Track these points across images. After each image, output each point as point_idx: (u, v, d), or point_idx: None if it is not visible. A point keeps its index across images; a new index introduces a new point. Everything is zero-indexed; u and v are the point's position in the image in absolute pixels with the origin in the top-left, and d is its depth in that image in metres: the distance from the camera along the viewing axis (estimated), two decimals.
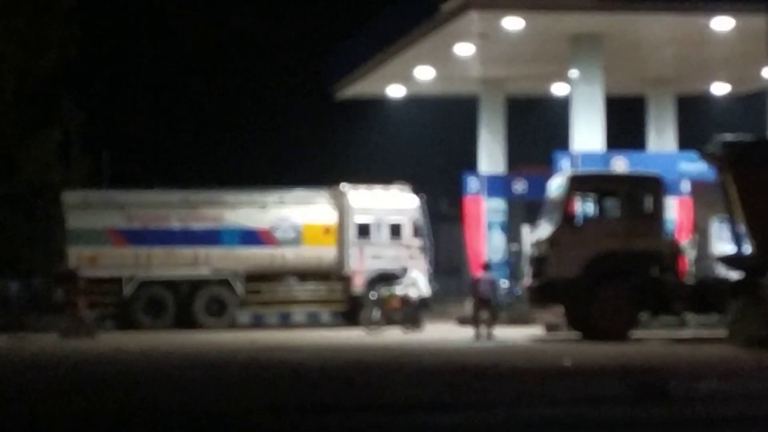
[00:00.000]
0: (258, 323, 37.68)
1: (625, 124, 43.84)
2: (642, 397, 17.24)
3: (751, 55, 31.29)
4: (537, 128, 44.85)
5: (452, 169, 43.32)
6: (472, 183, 40.60)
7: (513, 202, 39.32)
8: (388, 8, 38.71)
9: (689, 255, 29.41)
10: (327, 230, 37.65)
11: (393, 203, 38.05)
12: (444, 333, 32.92)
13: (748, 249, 28.32)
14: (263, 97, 60.18)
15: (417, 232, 37.55)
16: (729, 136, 29.57)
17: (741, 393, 17.60)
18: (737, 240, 28.70)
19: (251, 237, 37.54)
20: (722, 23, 33.08)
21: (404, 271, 35.03)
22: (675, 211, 31.75)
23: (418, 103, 46.60)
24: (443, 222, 45.99)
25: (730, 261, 29.12)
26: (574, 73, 35.18)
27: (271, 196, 38.12)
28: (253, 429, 14.08)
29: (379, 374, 21.10)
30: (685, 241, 29.66)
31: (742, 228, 28.41)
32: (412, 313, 33.87)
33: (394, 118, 48.38)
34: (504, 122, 41.84)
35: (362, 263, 36.95)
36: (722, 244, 29.89)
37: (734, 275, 28.87)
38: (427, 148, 53.57)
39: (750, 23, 30.54)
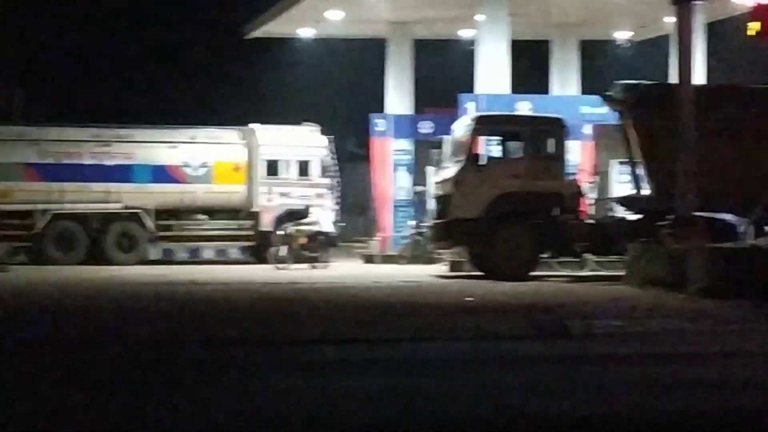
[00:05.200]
0: (168, 258, 37.45)
1: (531, 67, 43.97)
2: (541, 332, 17.38)
3: (652, 2, 31.30)
4: (445, 71, 44.74)
5: (361, 110, 43.25)
6: (378, 124, 40.50)
7: (419, 142, 39.16)
8: None
9: (590, 197, 29.57)
10: (237, 168, 37.62)
11: (302, 142, 38.03)
12: (350, 270, 32.94)
13: (647, 191, 28.63)
14: (174, 35, 59.70)
15: (325, 171, 37.53)
16: (630, 81, 29.80)
17: (638, 330, 17.83)
18: (637, 182, 28.99)
19: (162, 174, 37.46)
20: None
21: (310, 209, 35.03)
22: (577, 153, 31.81)
23: (328, 44, 46.37)
24: (351, 162, 46.00)
25: (629, 202, 29.38)
26: (480, 17, 35.08)
27: (182, 134, 38.02)
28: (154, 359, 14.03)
29: (285, 309, 21.10)
30: (586, 183, 29.75)
31: (642, 170, 28.68)
32: (318, 249, 33.90)
33: (304, 58, 48.14)
34: (411, 65, 41.63)
35: (270, 200, 36.87)
36: (622, 186, 30.07)
37: (633, 216, 29.10)
38: (337, 89, 53.51)
39: None
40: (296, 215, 35.37)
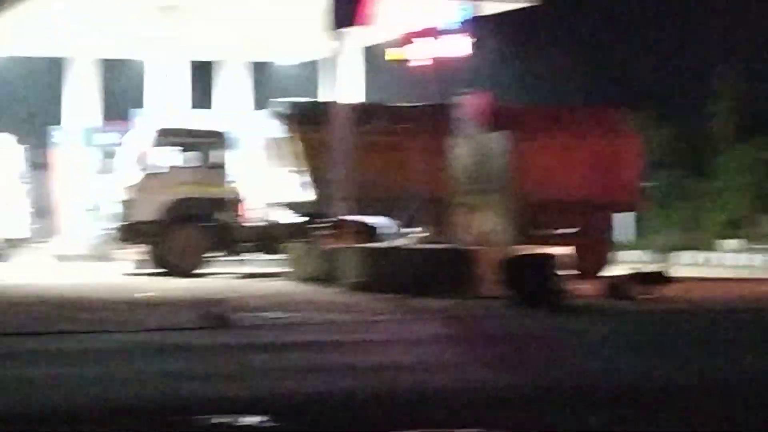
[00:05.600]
0: None
1: (206, 85, 43.99)
2: (210, 324, 17.36)
3: (313, 28, 31.64)
4: (131, 87, 44.14)
5: (51, 122, 42.16)
6: (61, 135, 40.04)
7: (102, 152, 38.63)
8: None
9: (255, 201, 29.78)
10: None
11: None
12: (40, 269, 32.19)
13: (310, 196, 29.02)
14: None
15: (21, 178, 36.38)
16: (294, 99, 30.24)
17: (297, 321, 18.00)
18: (302, 188, 29.34)
19: None
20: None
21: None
22: (247, 163, 31.86)
23: (19, 62, 45.27)
24: (39, 169, 44.86)
25: (296, 207, 29.72)
26: (149, 41, 35.18)
27: None
28: None
29: None
30: (251, 189, 29.97)
31: (306, 178, 29.08)
32: (10, 249, 33.10)
33: None
34: (96, 81, 41.16)
35: None
36: (288, 191, 30.28)
37: (294, 219, 29.44)
38: (26, 103, 51.69)
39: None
40: None
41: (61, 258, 35.46)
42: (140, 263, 30.38)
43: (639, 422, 9.68)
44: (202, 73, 43.34)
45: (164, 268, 28.54)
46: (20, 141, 36.54)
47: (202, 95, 42.59)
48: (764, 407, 10.47)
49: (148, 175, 28.57)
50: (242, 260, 29.82)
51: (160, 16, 35.75)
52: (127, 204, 28.84)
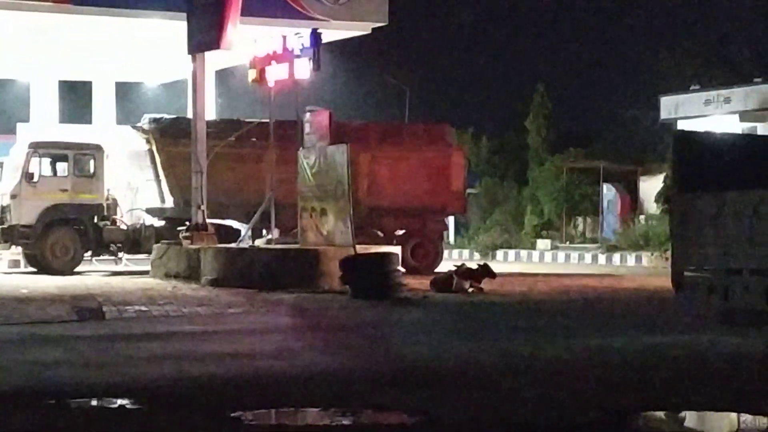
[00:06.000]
0: None
1: (79, 102, 43.36)
2: (82, 317, 17.23)
3: (176, 52, 31.28)
4: (20, 103, 43.09)
5: None
6: None
7: None
8: None
9: (124, 207, 29.56)
10: None
11: None
12: None
13: (170, 202, 28.95)
14: None
15: None
16: (155, 115, 30.08)
17: (159, 314, 17.95)
18: (162, 195, 29.25)
19: None
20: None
21: None
22: (114, 172, 31.43)
23: None
24: None
25: (156, 212, 29.59)
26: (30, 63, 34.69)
27: None
28: None
29: None
30: (120, 196, 29.73)
31: (166, 186, 28.99)
32: None
33: None
34: None
35: None
36: (150, 198, 30.07)
37: (158, 223, 29.32)
38: None
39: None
40: None
41: None
42: (14, 263, 29.98)
43: (454, 398, 9.96)
44: (83, 92, 42.75)
45: (39, 267, 28.18)
46: None
47: (83, 111, 42.01)
48: (553, 383, 10.88)
49: (24, 184, 28.18)
50: (116, 259, 29.54)
51: (39, 40, 35.25)
52: (6, 209, 28.44)
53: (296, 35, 25.85)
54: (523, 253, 41.79)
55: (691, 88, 42.06)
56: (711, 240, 10.86)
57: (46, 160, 28.60)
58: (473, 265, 24.24)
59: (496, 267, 25.07)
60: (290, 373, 11.47)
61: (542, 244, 42.96)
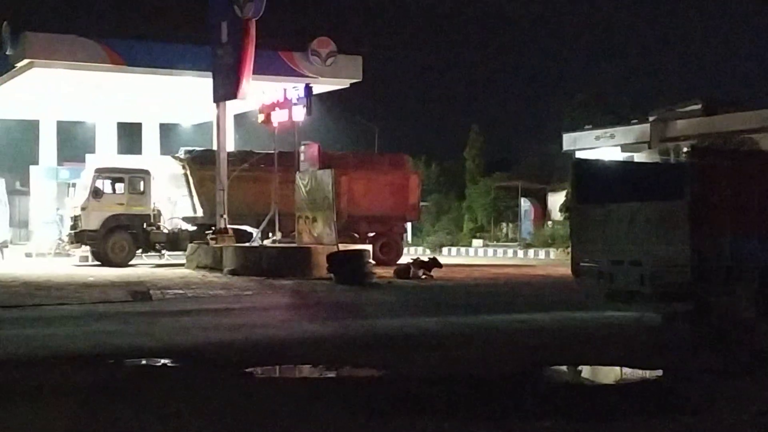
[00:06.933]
0: None
1: (132, 138, 43.13)
2: (134, 298, 17.14)
3: (205, 100, 31.17)
4: (87, 138, 42.55)
5: (31, 163, 40.53)
6: (35, 172, 38.86)
7: (60, 183, 37.67)
8: None
9: (165, 216, 29.39)
10: None
11: None
12: (17, 262, 31.05)
13: (200, 212, 28.79)
14: None
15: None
16: (190, 147, 30.03)
17: (194, 295, 17.87)
18: (194, 207, 29.09)
19: None
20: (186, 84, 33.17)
21: None
22: (159, 190, 31.24)
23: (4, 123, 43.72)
24: (18, 195, 43.25)
25: (189, 220, 29.42)
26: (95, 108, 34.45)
27: None
28: None
29: None
30: (163, 207, 29.56)
31: (197, 201, 28.86)
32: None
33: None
34: (54, 136, 40.14)
35: None
36: (185, 209, 29.92)
37: (191, 227, 29.15)
38: (12, 150, 48.60)
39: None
40: None
41: (32, 254, 34.27)
42: (84, 258, 29.78)
43: (411, 357, 9.98)
44: (135, 130, 42.49)
45: (102, 261, 27.99)
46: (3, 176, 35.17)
47: (135, 144, 41.78)
48: (485, 345, 10.91)
49: (90, 198, 28.00)
50: (160, 255, 29.36)
51: (101, 91, 35.16)
52: (78, 219, 28.23)
53: (294, 88, 25.91)
54: (462, 249, 41.85)
55: (585, 128, 42.37)
56: (600, 239, 10.91)
57: (108, 182, 28.40)
58: (425, 258, 24.30)
59: (443, 260, 25.12)
60: (289, 338, 11.45)
61: (476, 242, 43.07)
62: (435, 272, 22.58)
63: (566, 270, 11.10)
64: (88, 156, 34.54)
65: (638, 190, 10.72)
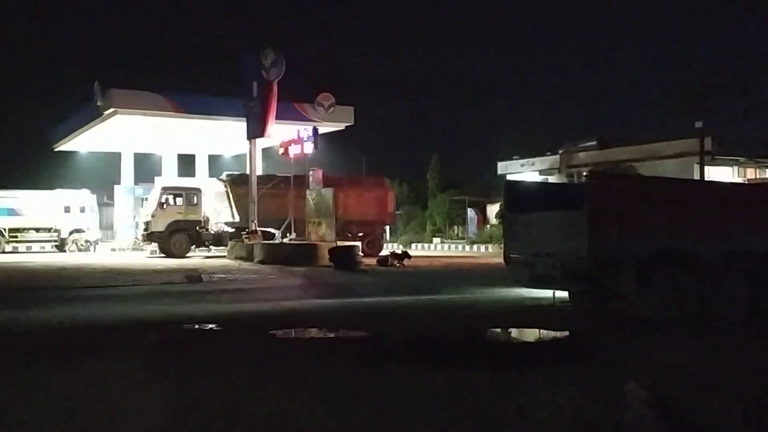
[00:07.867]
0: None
1: (188, 166, 42.23)
2: (190, 280, 16.97)
3: (238, 135, 30.94)
4: (154, 165, 41.69)
5: (114, 182, 39.70)
6: (118, 189, 38.51)
7: (136, 197, 37.28)
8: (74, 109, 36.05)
9: (212, 221, 29.15)
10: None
11: (84, 200, 32.91)
12: (106, 254, 30.65)
13: (237, 219, 28.53)
14: None
15: (91, 210, 33.86)
16: (229, 172, 29.73)
17: (233, 278, 17.70)
18: (233, 215, 28.83)
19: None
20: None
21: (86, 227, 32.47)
22: (208, 203, 30.84)
23: (94, 154, 42.99)
24: (106, 207, 42.35)
25: (230, 224, 29.13)
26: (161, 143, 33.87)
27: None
28: None
29: (63, 273, 19.36)
30: (210, 215, 29.32)
31: (235, 210, 28.61)
32: (88, 244, 31.79)
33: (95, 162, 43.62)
34: (132, 163, 39.61)
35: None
36: (226, 216, 29.66)
37: (231, 230, 28.88)
38: (100, 175, 46.99)
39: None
40: (78, 230, 32.62)
41: (117, 249, 33.96)
42: (154, 252, 29.54)
43: (391, 323, 9.93)
44: (190, 160, 41.92)
45: (166, 254, 27.75)
46: (94, 192, 34.74)
47: (189, 170, 41.27)
48: (444, 315, 10.88)
49: (158, 208, 27.79)
50: (208, 250, 29.13)
51: (166, 132, 34.83)
52: (149, 223, 27.99)
53: (304, 129, 25.89)
54: (426, 245, 41.79)
55: (513, 158, 42.42)
56: (524, 238, 10.90)
57: (171, 197, 28.19)
58: (399, 251, 24.24)
59: (412, 253, 25.08)
60: (300, 309, 11.39)
61: (436, 240, 43.01)
62: (406, 262, 22.52)
63: (500, 260, 11.08)
64: (156, 178, 34.26)
65: (551, 202, 10.74)
